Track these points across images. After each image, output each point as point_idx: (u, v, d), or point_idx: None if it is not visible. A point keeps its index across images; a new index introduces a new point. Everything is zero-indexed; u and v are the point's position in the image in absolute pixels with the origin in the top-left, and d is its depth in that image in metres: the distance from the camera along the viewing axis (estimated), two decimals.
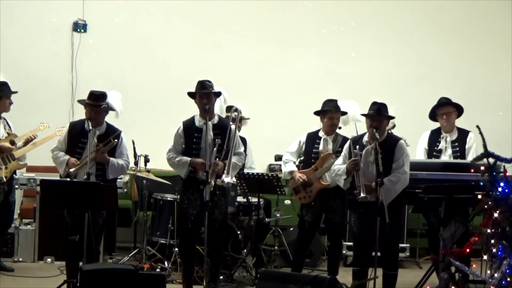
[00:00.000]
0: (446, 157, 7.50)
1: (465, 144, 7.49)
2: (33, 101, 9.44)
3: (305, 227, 7.29)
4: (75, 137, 6.84)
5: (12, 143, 7.74)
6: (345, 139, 7.20)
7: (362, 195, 6.60)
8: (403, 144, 6.79)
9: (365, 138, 6.78)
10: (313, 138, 7.37)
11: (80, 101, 7.11)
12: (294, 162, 7.45)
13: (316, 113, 7.36)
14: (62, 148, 6.88)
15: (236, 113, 7.14)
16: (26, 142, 7.84)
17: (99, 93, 6.88)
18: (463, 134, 7.54)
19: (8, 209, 7.81)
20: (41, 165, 8.48)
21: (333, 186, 7.12)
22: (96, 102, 6.81)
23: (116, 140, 6.82)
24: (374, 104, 6.74)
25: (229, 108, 8.04)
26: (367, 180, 6.56)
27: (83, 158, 6.75)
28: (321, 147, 7.29)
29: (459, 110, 7.63)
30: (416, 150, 7.74)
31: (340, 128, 7.36)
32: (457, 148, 7.50)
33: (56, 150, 6.90)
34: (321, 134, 7.35)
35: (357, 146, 6.64)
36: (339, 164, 6.84)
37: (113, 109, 7.03)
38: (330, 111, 7.24)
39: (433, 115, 7.68)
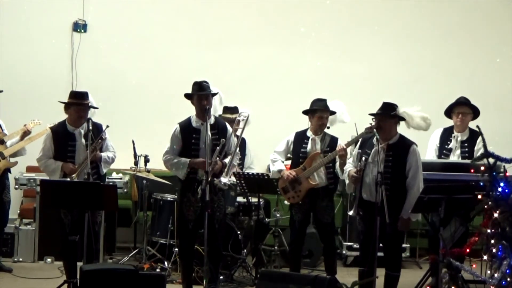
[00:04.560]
0: (455, 157, 7.51)
1: (475, 145, 7.50)
2: (33, 101, 9.45)
3: (295, 227, 7.28)
4: (62, 141, 6.81)
5: (1, 142, 7.73)
6: (333, 139, 7.21)
7: (351, 212, 6.68)
8: (416, 149, 6.71)
9: (375, 138, 6.77)
10: (301, 137, 7.35)
11: (64, 102, 7.01)
12: (282, 161, 7.44)
13: (305, 112, 7.34)
14: (49, 155, 6.84)
15: (243, 117, 7.14)
16: (23, 136, 7.83)
17: (83, 92, 6.89)
18: (474, 135, 7.53)
19: (2, 209, 7.80)
20: None
21: (322, 185, 7.14)
22: (83, 101, 6.81)
23: (106, 137, 6.85)
24: (382, 103, 6.74)
25: (226, 109, 8.05)
26: (374, 178, 6.50)
27: (77, 160, 6.75)
28: (309, 147, 7.27)
29: (475, 113, 7.63)
30: (428, 147, 7.74)
31: (328, 128, 7.34)
32: (467, 149, 7.51)
33: (43, 159, 6.84)
34: (309, 133, 7.32)
35: (363, 159, 6.61)
36: (350, 163, 6.90)
37: (95, 107, 7.03)
38: (320, 111, 7.23)
39: (448, 112, 7.69)
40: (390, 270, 6.68)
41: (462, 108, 7.61)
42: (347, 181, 6.90)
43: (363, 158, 6.62)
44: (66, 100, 6.91)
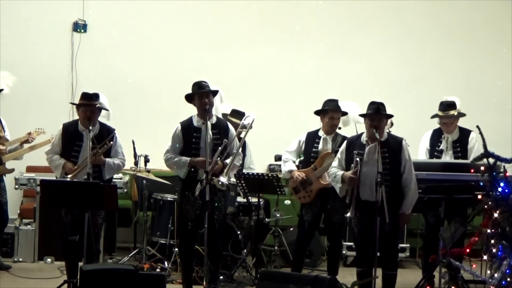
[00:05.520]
0: (448, 157, 7.48)
1: (467, 145, 7.48)
2: (33, 101, 9.45)
3: (304, 227, 7.28)
4: (70, 140, 6.82)
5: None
6: (344, 139, 7.21)
7: (349, 214, 6.63)
8: (406, 144, 6.77)
9: (364, 138, 6.75)
10: (312, 137, 7.37)
11: (74, 104, 7.09)
12: (294, 162, 7.46)
13: (317, 112, 7.36)
14: (57, 151, 6.86)
15: (249, 121, 7.14)
16: (23, 143, 7.84)
17: (92, 93, 6.88)
18: (464, 134, 7.52)
19: (0, 210, 7.79)
20: (41, 165, 8.49)
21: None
22: (90, 102, 6.81)
23: (111, 143, 6.82)
24: (373, 103, 6.72)
25: (235, 113, 8.07)
26: (372, 178, 6.50)
27: (79, 161, 6.74)
28: (320, 146, 7.29)
29: (461, 115, 7.62)
30: (418, 150, 7.73)
31: (340, 128, 7.37)
32: (459, 149, 7.48)
33: (50, 153, 6.88)
34: (320, 133, 7.35)
35: (357, 159, 6.57)
36: (335, 167, 6.81)
37: (106, 109, 7.03)
38: (331, 111, 7.25)
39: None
40: (387, 269, 6.66)
41: (447, 118, 7.49)
42: (337, 185, 6.76)
43: (357, 159, 6.61)
44: (69, 101, 6.94)
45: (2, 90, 7.87)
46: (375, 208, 6.33)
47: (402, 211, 6.58)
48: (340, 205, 7.19)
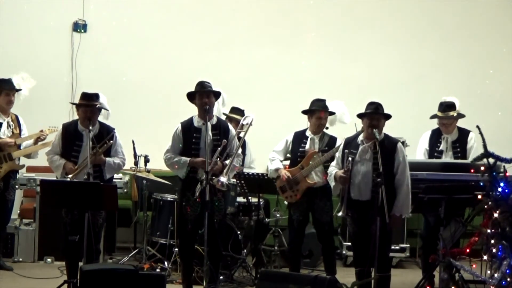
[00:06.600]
0: (448, 158, 7.49)
1: (466, 145, 7.48)
2: (33, 101, 9.39)
3: (294, 226, 7.29)
4: (70, 140, 6.83)
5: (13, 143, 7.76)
6: (332, 138, 7.23)
7: (339, 213, 6.69)
8: (402, 146, 6.77)
9: (360, 138, 6.74)
10: (300, 137, 7.38)
11: (74, 104, 7.10)
12: (281, 161, 7.46)
13: (304, 112, 7.36)
14: (57, 151, 6.87)
15: (248, 121, 7.14)
16: (37, 141, 7.85)
17: (92, 93, 6.89)
18: (463, 134, 7.52)
19: (4, 207, 7.80)
20: (41, 165, 8.48)
21: (319, 185, 7.14)
22: (91, 102, 6.81)
23: (111, 142, 6.82)
24: (372, 103, 6.71)
25: (236, 110, 8.07)
26: (362, 178, 6.54)
27: (80, 161, 6.75)
28: (307, 146, 7.29)
29: (460, 116, 7.62)
30: (417, 151, 7.73)
31: (327, 128, 7.36)
32: (458, 149, 7.48)
33: (51, 154, 6.89)
34: (308, 133, 7.36)
35: (349, 159, 6.59)
36: (334, 166, 6.87)
37: (106, 109, 7.04)
38: (318, 111, 7.24)
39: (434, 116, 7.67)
40: (380, 271, 6.55)
41: (447, 119, 7.48)
42: (332, 184, 6.83)
43: (350, 158, 6.61)
44: (69, 101, 6.94)
45: (20, 90, 7.88)
46: (374, 208, 6.32)
47: (392, 212, 6.55)
48: (327, 205, 7.21)
